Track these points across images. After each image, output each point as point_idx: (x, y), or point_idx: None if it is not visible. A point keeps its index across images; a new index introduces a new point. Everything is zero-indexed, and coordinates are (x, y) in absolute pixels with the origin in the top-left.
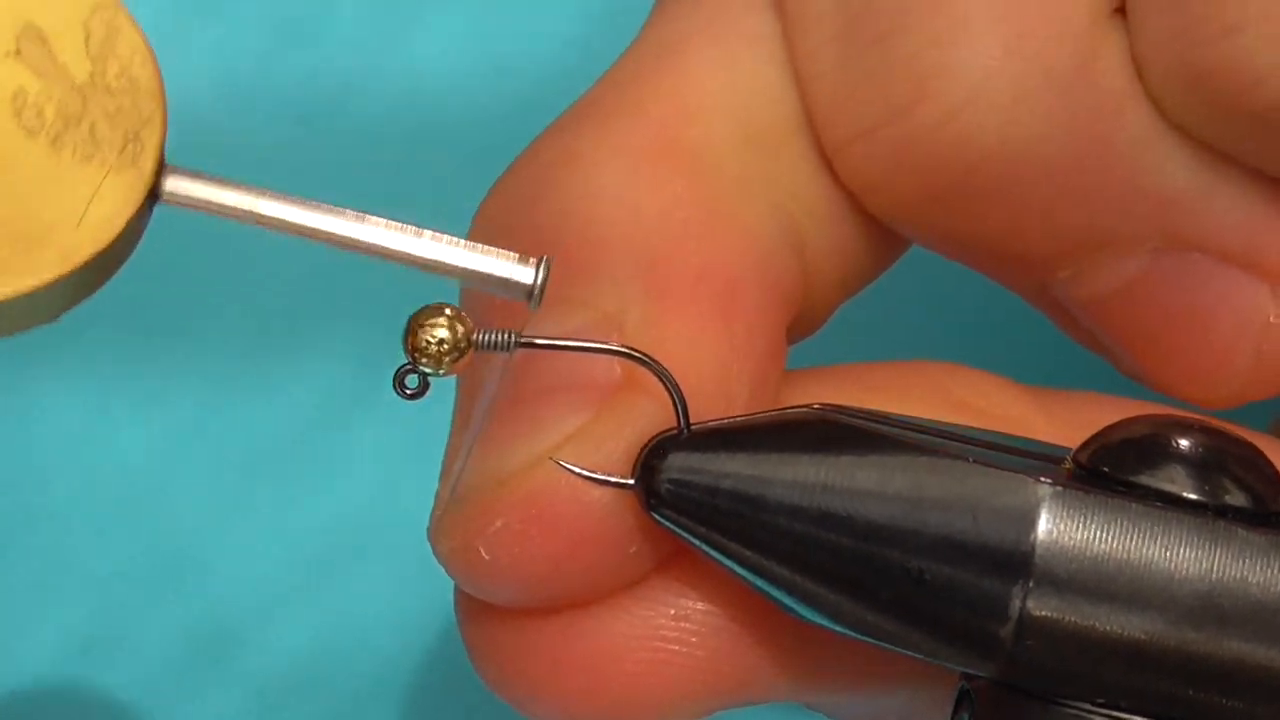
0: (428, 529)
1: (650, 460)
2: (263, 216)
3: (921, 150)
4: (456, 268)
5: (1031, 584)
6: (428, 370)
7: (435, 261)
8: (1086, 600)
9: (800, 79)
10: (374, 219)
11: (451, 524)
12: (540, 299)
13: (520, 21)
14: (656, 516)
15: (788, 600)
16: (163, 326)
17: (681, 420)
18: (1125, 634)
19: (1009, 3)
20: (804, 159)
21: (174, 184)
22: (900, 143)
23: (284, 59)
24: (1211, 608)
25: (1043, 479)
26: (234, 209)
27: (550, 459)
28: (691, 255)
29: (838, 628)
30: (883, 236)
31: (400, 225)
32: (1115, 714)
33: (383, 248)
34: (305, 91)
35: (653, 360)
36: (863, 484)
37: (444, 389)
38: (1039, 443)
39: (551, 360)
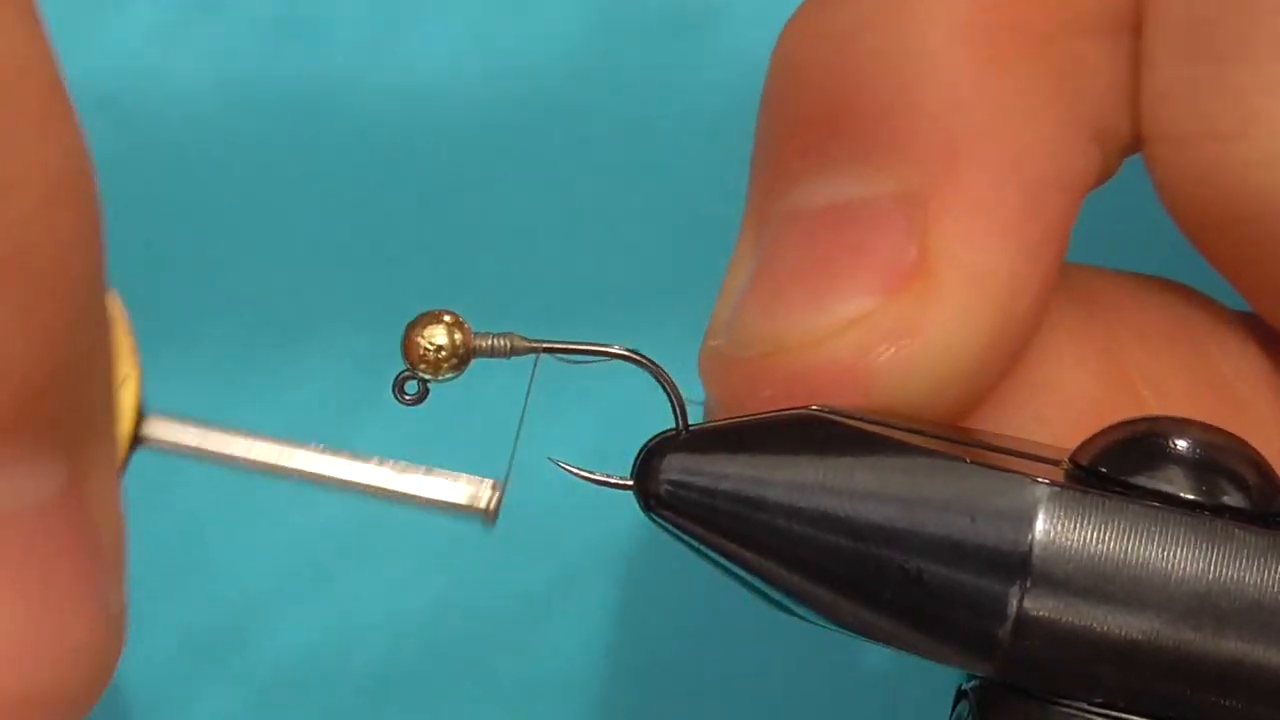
0: (701, 350)
1: (648, 461)
2: (234, 459)
3: (1224, 181)
4: (419, 497)
5: (1029, 584)
6: (426, 377)
7: (398, 493)
8: (1084, 600)
9: (1141, 56)
10: (339, 455)
11: (723, 377)
12: (495, 519)
13: (520, 22)
14: (654, 517)
15: (786, 600)
16: (163, 326)
17: (680, 421)
18: (1123, 634)
19: None
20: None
21: (154, 430)
22: (1207, 165)
23: (284, 59)
24: (1209, 608)
25: (1040, 480)
26: (211, 453)
27: (549, 459)
28: (1002, 149)
29: (836, 627)
30: None
31: (363, 458)
32: (1112, 714)
33: (348, 482)
34: (305, 91)
35: (652, 363)
36: (861, 485)
37: (443, 393)
38: (1037, 443)
39: (844, 220)
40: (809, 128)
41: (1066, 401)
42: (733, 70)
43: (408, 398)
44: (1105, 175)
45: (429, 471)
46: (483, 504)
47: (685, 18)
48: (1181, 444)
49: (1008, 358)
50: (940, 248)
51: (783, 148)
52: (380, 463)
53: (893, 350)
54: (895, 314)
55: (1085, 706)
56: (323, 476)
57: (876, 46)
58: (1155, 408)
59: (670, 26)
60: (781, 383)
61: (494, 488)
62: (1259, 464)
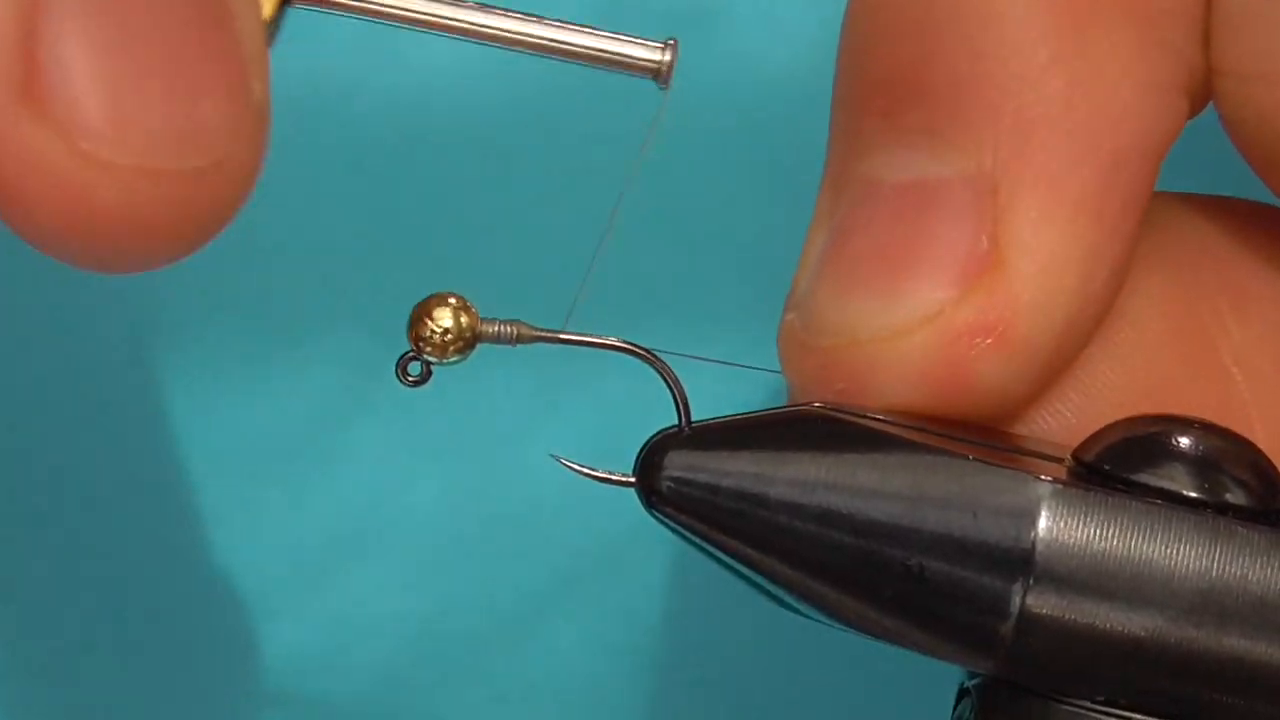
0: (780, 326)
1: (651, 458)
2: (386, 11)
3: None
4: (589, 48)
5: (1032, 581)
6: (431, 359)
7: (569, 44)
8: (1086, 597)
9: None
10: (499, 10)
11: (798, 364)
12: (669, 79)
13: None
14: (657, 514)
15: (789, 597)
16: (163, 326)
17: (682, 417)
18: (1125, 631)
19: None
20: None
21: None
22: (1268, 103)
23: (282, 58)
24: (1211, 605)
25: (1043, 477)
26: (360, 6)
27: (551, 455)
28: (1079, 123)
29: (838, 624)
30: None
31: (527, 15)
32: (1115, 711)
33: (514, 35)
34: (304, 91)
35: (655, 357)
36: (863, 482)
37: (445, 377)
38: (1039, 440)
39: (916, 202)
40: (884, 92)
41: (1149, 389)
42: (732, 70)
43: (410, 379)
44: (1192, 114)
45: (597, 32)
46: (661, 58)
47: (685, 17)
48: (1184, 442)
49: (1085, 336)
50: (1011, 236)
51: (859, 110)
52: (545, 21)
53: (965, 350)
54: (966, 312)
55: (1088, 704)
56: (489, 31)
57: (952, 9)
58: (1244, 391)
59: (670, 26)
60: (854, 377)
61: (669, 47)
62: (1261, 463)
